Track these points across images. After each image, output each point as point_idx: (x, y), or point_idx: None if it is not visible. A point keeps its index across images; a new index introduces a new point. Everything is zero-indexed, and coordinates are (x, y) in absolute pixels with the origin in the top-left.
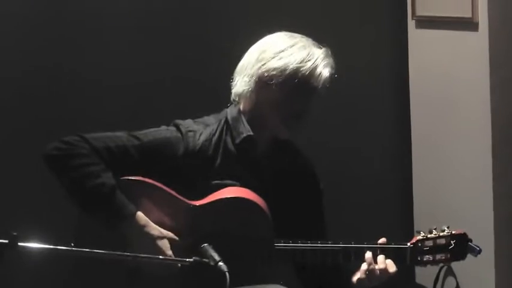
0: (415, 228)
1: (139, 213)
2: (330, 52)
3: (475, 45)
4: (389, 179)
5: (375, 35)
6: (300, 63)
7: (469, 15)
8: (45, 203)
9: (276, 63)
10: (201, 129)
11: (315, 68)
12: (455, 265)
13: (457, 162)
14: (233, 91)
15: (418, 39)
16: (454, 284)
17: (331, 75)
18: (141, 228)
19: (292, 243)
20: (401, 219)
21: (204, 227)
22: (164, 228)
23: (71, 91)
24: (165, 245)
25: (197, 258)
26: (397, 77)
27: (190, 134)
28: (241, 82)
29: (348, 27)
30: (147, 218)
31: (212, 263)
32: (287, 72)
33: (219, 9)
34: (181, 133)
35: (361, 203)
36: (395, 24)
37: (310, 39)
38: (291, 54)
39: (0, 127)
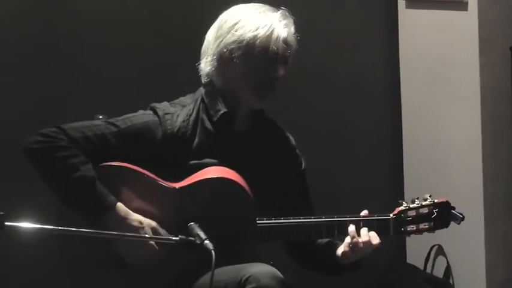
0: None
1: (119, 205)
2: (287, 13)
3: (465, 24)
4: (380, 161)
5: (366, 15)
6: (255, 31)
7: None
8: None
9: (232, 37)
10: (178, 111)
11: (272, 32)
12: (446, 245)
13: (447, 142)
14: (201, 73)
15: (408, 19)
16: (445, 264)
17: (293, 36)
18: (122, 220)
19: (275, 220)
20: (391, 201)
21: (187, 209)
22: (146, 214)
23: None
24: (147, 234)
25: (183, 236)
26: (387, 57)
27: (168, 116)
28: (206, 63)
29: (338, 6)
30: (127, 209)
31: (198, 241)
32: (244, 43)
33: None
34: (159, 117)
35: (352, 185)
36: (386, 4)
37: (266, 6)
38: (245, 24)
39: None
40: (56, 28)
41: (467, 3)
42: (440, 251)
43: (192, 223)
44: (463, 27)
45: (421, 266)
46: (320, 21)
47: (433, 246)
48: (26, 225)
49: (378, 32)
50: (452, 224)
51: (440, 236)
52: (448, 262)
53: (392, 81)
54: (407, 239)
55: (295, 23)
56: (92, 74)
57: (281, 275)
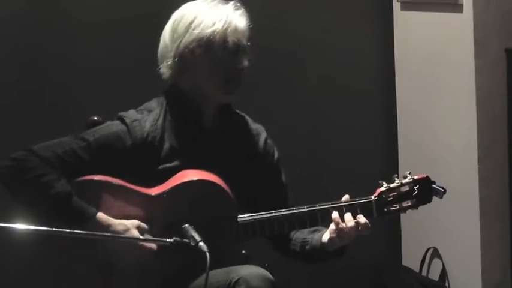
0: None
1: (100, 214)
2: (238, 4)
3: (460, 26)
4: (376, 162)
5: (361, 17)
6: (213, 26)
7: None
8: None
9: (191, 36)
10: (145, 117)
11: (229, 24)
12: (441, 247)
13: (443, 144)
14: (164, 77)
15: (403, 21)
16: (441, 266)
17: (248, 24)
18: (105, 228)
19: (257, 216)
20: None
21: (168, 214)
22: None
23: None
24: (134, 235)
25: (177, 238)
26: (382, 59)
27: (136, 123)
28: (167, 66)
29: (334, 8)
30: (107, 217)
31: (193, 243)
32: (204, 40)
33: None
34: (127, 125)
35: (347, 186)
36: (381, 6)
37: None
38: (202, 21)
39: None
40: (34, 31)
41: (462, 5)
42: (435, 253)
43: (186, 225)
44: (458, 29)
45: (416, 268)
46: (317, 22)
47: (429, 248)
48: (18, 226)
49: (373, 33)
50: (448, 226)
51: (436, 239)
52: (443, 265)
53: (387, 84)
54: (403, 241)
55: (252, 12)
56: (76, 77)
57: (271, 277)
